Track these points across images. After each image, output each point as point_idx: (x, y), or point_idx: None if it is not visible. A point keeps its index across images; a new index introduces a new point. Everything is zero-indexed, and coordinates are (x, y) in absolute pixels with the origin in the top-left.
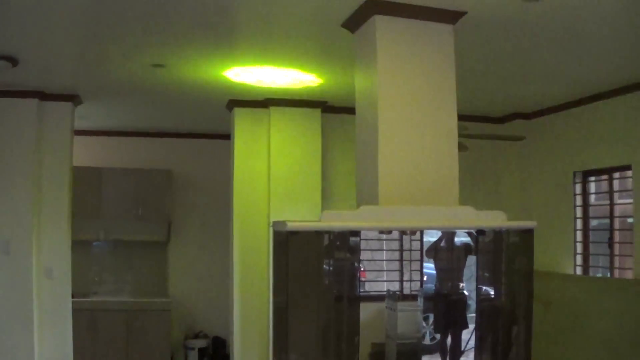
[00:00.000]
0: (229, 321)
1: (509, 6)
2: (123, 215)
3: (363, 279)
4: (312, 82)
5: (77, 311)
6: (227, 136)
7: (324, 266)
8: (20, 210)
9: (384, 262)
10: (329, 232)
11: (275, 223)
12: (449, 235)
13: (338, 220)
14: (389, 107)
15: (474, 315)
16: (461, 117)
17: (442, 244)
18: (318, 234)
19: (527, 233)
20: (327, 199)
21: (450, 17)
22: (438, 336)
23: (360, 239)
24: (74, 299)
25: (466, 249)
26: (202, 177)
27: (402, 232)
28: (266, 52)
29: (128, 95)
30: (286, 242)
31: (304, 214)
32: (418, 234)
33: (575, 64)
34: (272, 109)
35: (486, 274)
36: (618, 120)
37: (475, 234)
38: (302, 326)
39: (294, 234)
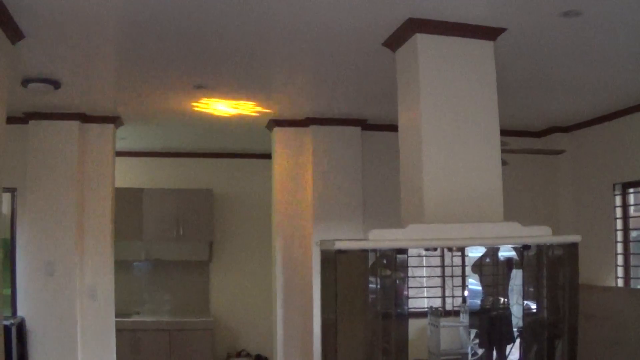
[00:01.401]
0: (272, 339)
1: (547, 21)
2: (164, 235)
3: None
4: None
5: (119, 331)
6: (268, 155)
7: (371, 284)
8: (64, 231)
9: (424, 278)
10: (375, 250)
11: (322, 242)
12: (493, 250)
13: (386, 238)
14: (432, 124)
15: (517, 329)
16: (501, 132)
17: (488, 259)
18: (365, 252)
19: (572, 247)
20: (367, 216)
21: (491, 33)
22: (480, 352)
23: (408, 257)
24: (117, 319)
25: (510, 263)
26: (243, 196)
27: (448, 249)
28: (306, 71)
29: (169, 116)
30: (334, 260)
31: (346, 232)
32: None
33: (614, 76)
34: (312, 127)
35: (531, 289)
36: None
37: (521, 248)
38: (351, 344)
39: (342, 252)
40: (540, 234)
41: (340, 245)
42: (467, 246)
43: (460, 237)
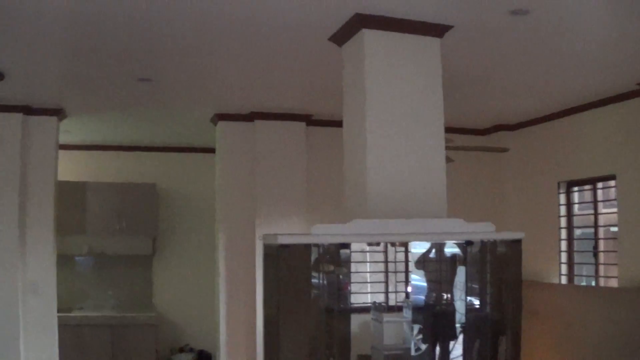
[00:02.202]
0: (215, 335)
1: (496, 20)
2: (108, 230)
3: (347, 291)
4: None
5: (62, 326)
6: (212, 150)
7: (314, 279)
8: (4, 225)
9: (368, 274)
10: (318, 245)
11: (265, 236)
12: (438, 246)
13: (328, 233)
14: (376, 120)
15: (461, 325)
16: (446, 129)
17: (432, 254)
18: (308, 247)
19: (515, 243)
20: (311, 212)
21: (438, 30)
22: (423, 347)
23: (351, 252)
24: (59, 314)
25: (454, 260)
26: (187, 191)
27: (392, 244)
28: (252, 65)
29: (113, 110)
30: (277, 255)
31: (290, 228)
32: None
33: (560, 76)
34: (257, 122)
35: (474, 285)
36: (601, 130)
37: (464, 244)
38: (293, 339)
39: (285, 247)
40: (483, 230)
41: (283, 239)
42: (409, 241)
43: (403, 232)
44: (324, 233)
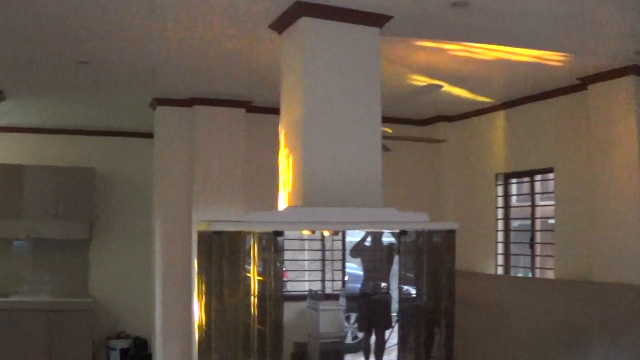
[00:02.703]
0: (151, 321)
1: (436, 11)
2: (45, 214)
3: (285, 279)
4: None
5: None
6: (151, 135)
7: (250, 266)
8: None
9: (306, 262)
10: (253, 232)
11: (199, 223)
12: (376, 235)
13: (263, 220)
14: (313, 108)
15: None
16: (385, 120)
17: (368, 244)
18: (243, 233)
19: (450, 234)
20: (251, 199)
21: (377, 20)
22: (360, 335)
23: (285, 239)
24: None
25: (392, 249)
26: (126, 175)
27: (323, 233)
28: (192, 50)
29: (52, 92)
30: (210, 241)
31: (227, 214)
32: (340, 234)
33: (499, 68)
34: (196, 107)
35: (409, 274)
36: (540, 124)
37: (399, 234)
38: (226, 326)
39: (219, 233)
40: (417, 220)
41: (216, 226)
42: (342, 230)
43: (337, 220)
44: (258, 220)
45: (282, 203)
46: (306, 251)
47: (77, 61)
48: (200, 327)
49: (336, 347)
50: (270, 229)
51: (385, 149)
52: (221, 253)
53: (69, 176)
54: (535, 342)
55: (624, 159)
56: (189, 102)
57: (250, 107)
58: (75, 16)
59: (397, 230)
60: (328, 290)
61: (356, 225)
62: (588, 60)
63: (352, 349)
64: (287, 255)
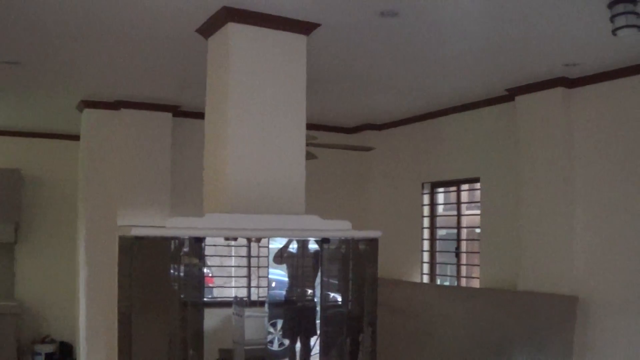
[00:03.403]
0: (77, 326)
1: (364, 20)
2: None
3: (211, 285)
4: None
5: None
6: (78, 137)
7: (170, 272)
8: None
9: (233, 268)
10: (174, 238)
11: (120, 228)
12: (301, 242)
13: (184, 226)
14: (238, 114)
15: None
16: (312, 126)
17: (293, 250)
18: (164, 239)
19: (372, 242)
20: (176, 204)
21: (304, 28)
22: (287, 342)
23: (206, 245)
24: None
25: (317, 256)
26: (52, 178)
27: (247, 239)
28: (117, 54)
29: None
30: (131, 247)
31: (152, 220)
32: (265, 241)
33: (427, 78)
34: (123, 111)
35: (332, 281)
36: (467, 134)
37: (321, 242)
38: (147, 332)
39: (140, 239)
40: (339, 228)
41: (137, 231)
42: (264, 237)
43: (258, 227)
44: (178, 226)
45: (206, 209)
46: (233, 257)
47: (4, 60)
48: (121, 333)
49: (261, 354)
50: (189, 234)
51: (312, 156)
52: (142, 259)
53: None
54: (460, 351)
55: (550, 169)
56: (116, 105)
57: (177, 112)
58: (2, 14)
59: (317, 238)
60: (254, 297)
61: (277, 232)
62: (516, 72)
63: (279, 356)
64: (215, 261)
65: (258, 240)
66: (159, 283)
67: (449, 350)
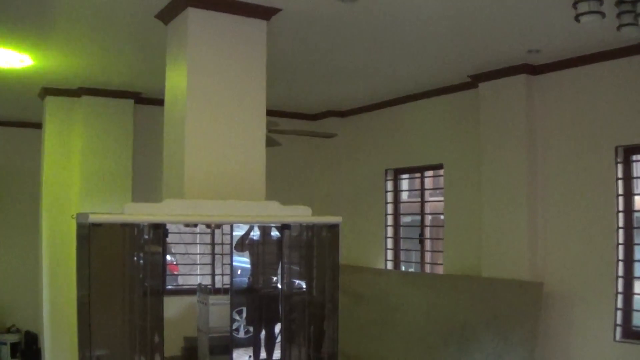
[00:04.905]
0: (41, 316)
1: (324, 5)
2: None
3: (176, 273)
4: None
5: None
6: (40, 125)
7: (129, 259)
8: None
9: (198, 255)
10: (134, 225)
11: (78, 215)
12: (263, 229)
13: (142, 212)
14: (197, 100)
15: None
16: (275, 113)
17: (255, 237)
18: (123, 226)
19: (333, 228)
20: (139, 192)
21: (264, 13)
22: (252, 329)
23: (168, 232)
24: None
25: (280, 243)
26: (14, 166)
27: (207, 226)
28: (76, 39)
29: None
30: (89, 234)
31: (114, 207)
32: (228, 228)
33: (390, 64)
34: (84, 98)
35: (294, 268)
36: (430, 120)
37: (282, 228)
38: (107, 321)
39: (97, 226)
40: (299, 214)
41: (94, 218)
42: (222, 223)
43: (218, 214)
44: (136, 212)
45: (164, 195)
46: (198, 245)
47: None
48: (80, 322)
49: (225, 342)
50: (147, 221)
51: (275, 143)
52: (99, 246)
53: None
54: (423, 337)
55: (513, 156)
56: (78, 92)
57: (139, 98)
58: None
59: (277, 224)
60: (218, 284)
61: (235, 218)
62: (479, 58)
63: (243, 344)
64: (180, 249)
65: (219, 226)
66: (118, 271)
67: (412, 337)
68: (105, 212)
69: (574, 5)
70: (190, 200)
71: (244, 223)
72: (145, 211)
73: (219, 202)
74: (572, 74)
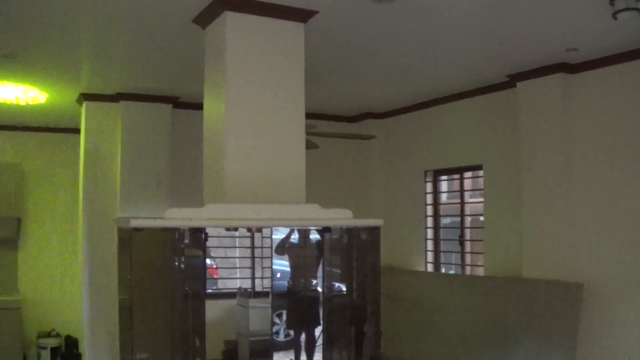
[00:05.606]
0: (81, 320)
1: (360, 6)
2: None
3: (215, 277)
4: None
5: None
6: (78, 130)
7: (170, 263)
8: None
9: (237, 259)
10: (174, 229)
11: (119, 220)
12: (303, 232)
13: (182, 217)
14: (236, 104)
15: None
16: (312, 116)
17: (295, 241)
18: (164, 231)
19: (374, 230)
20: (177, 196)
21: (302, 15)
22: (292, 333)
23: (207, 236)
24: None
25: (319, 246)
26: (54, 172)
27: (248, 229)
28: (115, 45)
29: None
30: (130, 239)
31: (153, 212)
32: (268, 231)
33: (427, 65)
34: (122, 103)
35: (335, 271)
36: (469, 121)
37: (322, 231)
38: (148, 325)
39: (138, 230)
40: (340, 217)
41: (135, 223)
42: (263, 227)
43: (258, 217)
44: (178, 217)
45: (205, 200)
46: (237, 248)
47: (1, 54)
48: (122, 326)
49: (266, 345)
50: (188, 225)
51: (313, 145)
52: (140, 250)
53: None
54: (464, 340)
55: (551, 156)
56: (116, 98)
57: (177, 103)
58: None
59: (318, 227)
60: (258, 288)
61: (277, 222)
62: (517, 58)
63: (283, 347)
64: (219, 252)
65: (259, 230)
66: (159, 275)
67: (452, 339)
68: (146, 217)
69: (611, 2)
70: (231, 204)
71: (286, 226)
72: (187, 215)
73: (260, 206)
74: (609, 72)
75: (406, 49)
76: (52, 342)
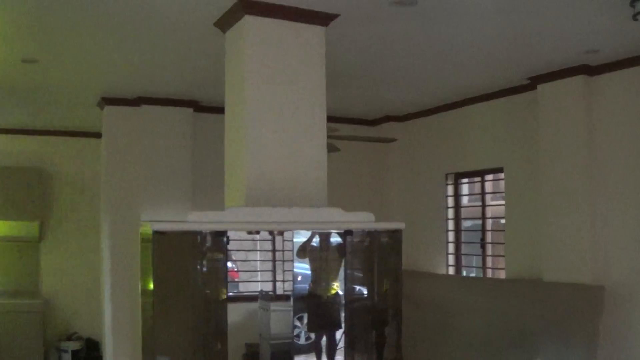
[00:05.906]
0: (102, 323)
1: (381, 10)
2: None
3: (236, 280)
4: None
5: None
6: (100, 134)
7: (192, 266)
8: None
9: (258, 262)
10: (196, 233)
11: (141, 223)
12: (323, 236)
13: (204, 220)
14: (257, 107)
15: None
16: (333, 119)
17: (315, 244)
18: (186, 234)
19: (396, 233)
20: (198, 199)
21: (322, 19)
22: (313, 336)
23: (229, 240)
24: None
25: (340, 249)
26: (76, 175)
27: (269, 233)
28: (136, 50)
29: None
30: (152, 242)
31: (175, 215)
32: (289, 234)
33: (448, 67)
34: (144, 107)
35: (357, 274)
36: (490, 123)
37: (344, 234)
38: (171, 328)
39: (160, 234)
40: (362, 220)
41: (157, 226)
42: (285, 230)
43: (280, 220)
44: (199, 220)
45: (226, 203)
46: (258, 252)
47: (22, 59)
48: (144, 328)
49: (287, 348)
50: (210, 228)
51: (334, 149)
52: (162, 253)
53: (17, 176)
54: (484, 342)
55: (572, 158)
56: (137, 102)
57: (198, 107)
58: (21, 11)
59: (342, 230)
60: (279, 291)
61: (299, 225)
62: (538, 60)
63: (304, 350)
64: (240, 255)
65: (281, 233)
66: (181, 278)
67: (473, 342)
68: (168, 220)
69: (632, 4)
70: (252, 207)
71: (308, 229)
72: (209, 219)
73: (282, 209)
74: (630, 73)
75: (427, 52)
76: (74, 345)
